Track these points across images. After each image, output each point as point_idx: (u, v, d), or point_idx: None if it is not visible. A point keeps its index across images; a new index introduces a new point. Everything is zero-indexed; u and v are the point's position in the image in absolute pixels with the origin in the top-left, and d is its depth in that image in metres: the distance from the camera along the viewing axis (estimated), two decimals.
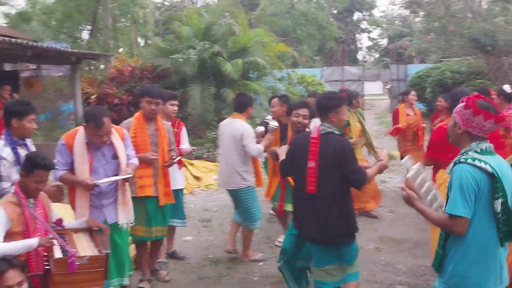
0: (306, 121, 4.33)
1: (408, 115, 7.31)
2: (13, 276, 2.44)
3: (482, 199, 2.46)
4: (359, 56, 46.27)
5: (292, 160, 3.62)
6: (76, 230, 3.54)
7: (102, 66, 17.13)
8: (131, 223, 3.98)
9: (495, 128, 2.63)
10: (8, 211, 3.09)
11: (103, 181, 3.64)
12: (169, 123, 4.81)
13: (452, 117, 2.67)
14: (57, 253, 3.07)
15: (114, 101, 10.53)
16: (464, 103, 2.58)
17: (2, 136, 3.71)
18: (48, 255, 3.21)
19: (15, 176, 3.59)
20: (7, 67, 11.36)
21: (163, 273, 4.80)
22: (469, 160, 2.49)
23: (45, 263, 3.21)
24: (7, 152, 3.56)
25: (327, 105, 3.51)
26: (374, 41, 45.61)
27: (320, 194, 3.38)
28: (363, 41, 64.52)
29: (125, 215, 3.87)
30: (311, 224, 3.44)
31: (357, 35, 43.34)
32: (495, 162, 2.52)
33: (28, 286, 2.66)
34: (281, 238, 4.99)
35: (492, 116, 2.51)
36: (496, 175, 2.44)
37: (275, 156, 3.94)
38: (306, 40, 29.36)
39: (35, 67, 11.37)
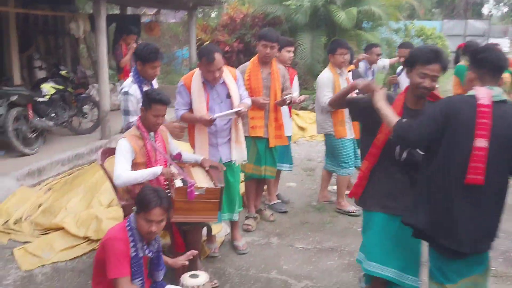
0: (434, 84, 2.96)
1: None
2: (158, 213, 2.67)
3: None
4: (484, 10, 41.93)
5: (436, 131, 2.50)
6: (193, 165, 3.78)
7: (213, 14, 17.49)
8: (244, 161, 4.15)
9: None
10: (132, 144, 3.36)
11: (219, 115, 3.82)
12: (284, 67, 4.84)
13: None
14: (178, 183, 3.32)
15: (225, 49, 10.75)
16: None
17: (131, 74, 4.01)
18: (168, 184, 3.48)
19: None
20: (129, 11, 12.04)
21: (267, 213, 5.00)
22: None
23: (166, 191, 3.49)
24: (134, 89, 3.84)
25: (504, 64, 2.56)
26: None
27: (488, 187, 2.44)
28: None
29: (238, 153, 4.05)
30: (471, 229, 2.48)
31: None
32: None
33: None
34: None
35: None
36: None
37: (367, 89, 2.93)
38: None
39: (153, 12, 11.95)
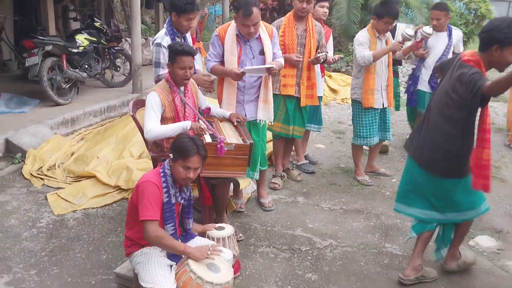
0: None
1: None
2: (196, 161, 2.70)
3: None
4: None
5: None
6: (222, 120, 3.76)
7: None
8: (270, 122, 4.07)
9: None
10: (161, 97, 3.33)
11: (250, 68, 3.72)
12: (320, 25, 4.69)
13: None
14: (207, 138, 3.31)
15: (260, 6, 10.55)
16: None
17: (165, 25, 3.96)
18: None
19: None
20: None
21: (295, 173, 4.99)
22: None
23: None
24: (167, 41, 3.79)
25: None
26: None
27: None
28: None
29: (264, 113, 3.96)
30: None
31: None
32: None
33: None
34: None
35: None
36: None
37: None
38: None
39: None
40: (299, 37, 4.43)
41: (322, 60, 4.48)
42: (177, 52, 3.26)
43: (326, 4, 5.01)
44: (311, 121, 5.20)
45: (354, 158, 5.08)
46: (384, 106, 4.85)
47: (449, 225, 3.24)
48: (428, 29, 4.70)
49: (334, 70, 10.50)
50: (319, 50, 4.54)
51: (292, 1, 4.48)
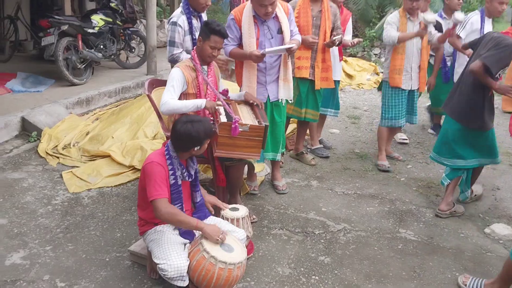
0: None
1: None
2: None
3: None
4: None
5: None
6: (239, 102, 3.73)
7: None
8: (291, 100, 4.04)
9: None
10: (185, 74, 3.33)
11: (270, 49, 3.68)
12: (336, 6, 4.60)
13: None
14: (223, 118, 3.29)
15: None
16: None
17: (181, 4, 3.92)
18: (214, 119, 3.46)
19: (187, 44, 3.83)
20: None
21: (309, 157, 4.95)
22: None
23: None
24: (183, 20, 3.76)
25: None
26: None
27: None
28: None
29: (285, 92, 3.94)
30: None
31: None
32: None
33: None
34: None
35: None
36: None
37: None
38: None
39: None
40: (314, 18, 4.36)
41: (338, 42, 4.41)
42: (214, 31, 3.28)
43: None
44: (328, 105, 5.16)
45: (379, 142, 4.99)
46: (413, 89, 4.78)
47: (469, 171, 3.98)
48: (428, 16, 4.54)
49: (350, 55, 10.38)
50: (334, 33, 4.46)
51: None
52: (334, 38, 4.36)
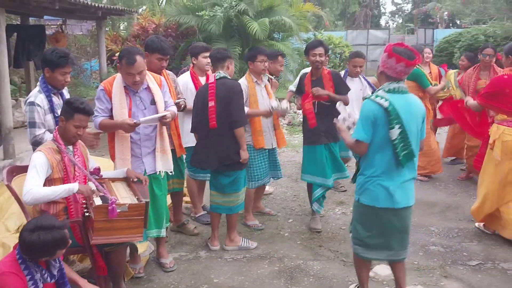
0: (323, 59, 4.69)
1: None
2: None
3: (379, 128, 3.01)
4: (382, 22, 44.97)
5: None
6: (114, 180, 3.53)
7: (122, 25, 16.94)
8: (171, 172, 3.92)
9: (407, 71, 3.02)
10: (49, 157, 3.09)
11: (144, 119, 3.58)
12: (172, 73, 4.60)
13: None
14: (97, 201, 3.07)
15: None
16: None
17: (38, 83, 3.69)
18: (87, 203, 3.22)
19: (49, 123, 3.58)
20: (31, 23, 11.28)
21: (191, 226, 4.80)
22: (372, 97, 3.07)
23: (85, 211, 3.23)
24: (41, 99, 3.54)
25: None
26: (398, 5, 44.23)
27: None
28: (387, 6, 62.35)
29: (164, 163, 3.83)
30: None
31: None
32: (401, 100, 3.02)
33: (68, 233, 2.66)
34: None
35: (402, 60, 2.96)
36: (390, 110, 2.94)
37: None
38: (328, 3, 28.50)
39: (59, 23, 11.29)
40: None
41: (182, 106, 4.39)
42: (77, 110, 3.12)
43: (207, 54, 4.87)
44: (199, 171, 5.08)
45: (246, 204, 4.81)
46: (273, 147, 4.92)
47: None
48: (277, 104, 4.64)
49: None
50: (178, 96, 4.46)
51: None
52: (178, 101, 4.31)
